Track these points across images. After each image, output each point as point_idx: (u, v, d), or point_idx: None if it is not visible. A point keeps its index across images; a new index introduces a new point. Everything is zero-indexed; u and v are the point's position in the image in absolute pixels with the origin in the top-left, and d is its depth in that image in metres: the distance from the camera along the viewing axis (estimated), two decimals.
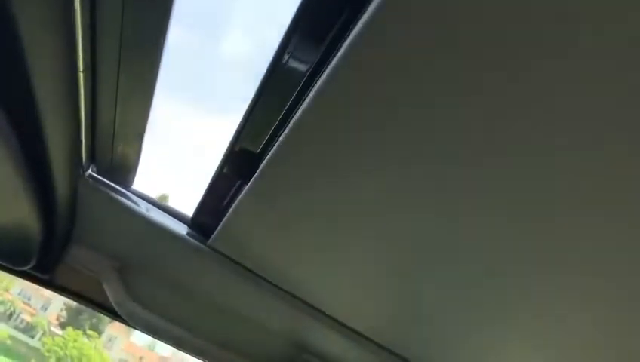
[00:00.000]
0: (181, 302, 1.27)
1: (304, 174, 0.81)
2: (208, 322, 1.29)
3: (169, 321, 1.21)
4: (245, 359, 1.28)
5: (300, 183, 0.84)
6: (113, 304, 1.21)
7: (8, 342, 25.67)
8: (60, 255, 1.27)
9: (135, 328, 1.25)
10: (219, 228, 1.05)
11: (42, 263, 1.23)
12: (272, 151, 0.79)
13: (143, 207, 1.10)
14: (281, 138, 0.76)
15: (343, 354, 1.31)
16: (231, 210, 0.97)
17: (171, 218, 1.17)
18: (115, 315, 1.34)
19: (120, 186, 1.09)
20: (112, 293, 1.19)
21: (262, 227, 1.00)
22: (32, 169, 0.89)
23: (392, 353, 1.24)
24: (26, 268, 1.22)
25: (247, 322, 1.31)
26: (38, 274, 1.28)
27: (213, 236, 1.09)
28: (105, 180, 1.07)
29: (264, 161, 0.81)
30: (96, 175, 1.06)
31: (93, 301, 1.36)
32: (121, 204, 1.06)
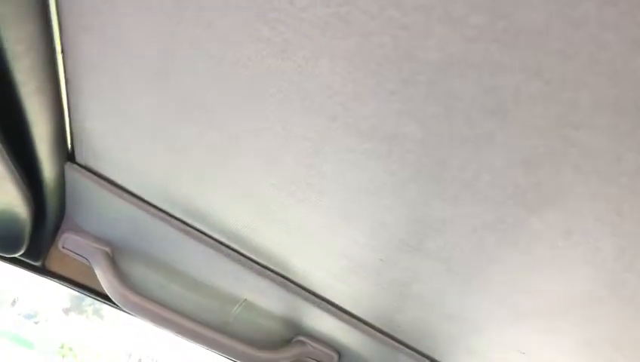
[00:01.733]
0: (173, 287, 1.27)
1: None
2: (201, 305, 1.29)
3: (161, 306, 1.21)
4: (240, 341, 1.28)
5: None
6: (105, 289, 1.21)
7: (12, 327, 25.90)
8: (51, 241, 1.26)
9: (128, 313, 1.25)
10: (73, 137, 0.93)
11: (33, 249, 1.23)
12: None
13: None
14: None
15: (337, 335, 1.31)
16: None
17: None
18: (108, 301, 1.34)
19: (108, 171, 1.08)
20: (103, 278, 1.19)
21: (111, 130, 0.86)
22: (16, 154, 0.88)
23: (387, 335, 1.24)
24: (16, 255, 1.22)
25: (241, 305, 1.30)
26: (30, 261, 1.28)
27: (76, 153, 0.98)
28: (92, 165, 1.05)
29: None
30: (83, 159, 1.05)
31: (86, 287, 1.36)
32: (109, 189, 1.05)
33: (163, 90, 0.72)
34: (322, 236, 0.93)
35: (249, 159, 0.80)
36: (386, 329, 1.23)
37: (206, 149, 0.82)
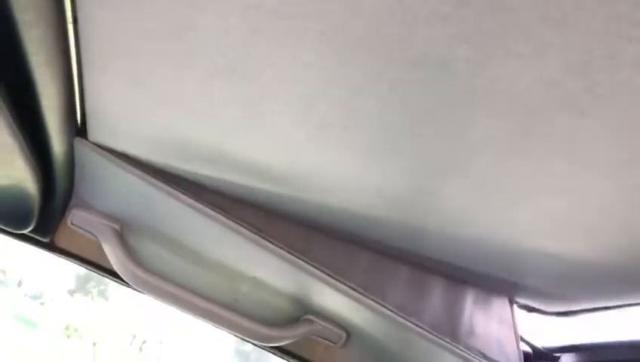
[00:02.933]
0: (182, 264, 1.27)
1: None
2: (209, 282, 1.29)
3: (169, 283, 1.21)
4: (248, 319, 1.28)
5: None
6: (114, 266, 1.21)
7: (18, 308, 26.20)
8: (59, 217, 1.26)
9: (137, 290, 1.25)
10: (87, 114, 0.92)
11: (42, 226, 1.23)
12: None
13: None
14: None
15: (346, 314, 1.31)
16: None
17: None
18: (117, 278, 1.34)
19: (118, 146, 1.07)
20: (112, 255, 1.19)
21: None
22: (26, 128, 0.88)
23: (397, 313, 1.24)
24: (25, 231, 1.22)
25: (250, 282, 1.31)
26: (39, 237, 1.28)
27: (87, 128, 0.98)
28: (102, 140, 1.05)
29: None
30: (93, 135, 1.04)
31: (95, 264, 1.36)
32: (119, 164, 1.05)
33: (187, 52, 0.70)
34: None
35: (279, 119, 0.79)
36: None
37: (234, 109, 0.80)
